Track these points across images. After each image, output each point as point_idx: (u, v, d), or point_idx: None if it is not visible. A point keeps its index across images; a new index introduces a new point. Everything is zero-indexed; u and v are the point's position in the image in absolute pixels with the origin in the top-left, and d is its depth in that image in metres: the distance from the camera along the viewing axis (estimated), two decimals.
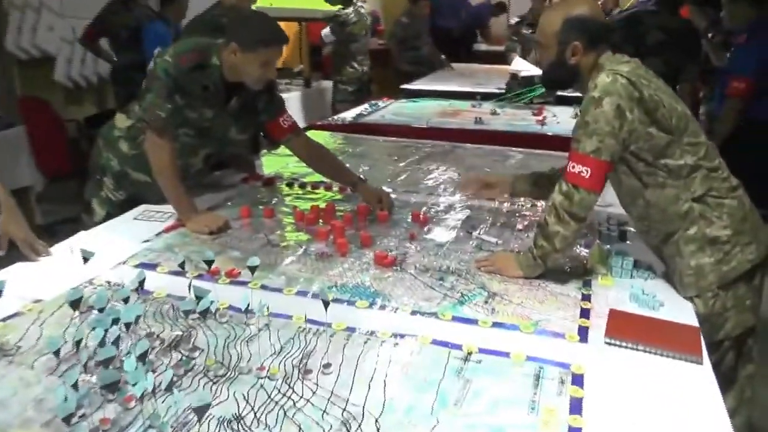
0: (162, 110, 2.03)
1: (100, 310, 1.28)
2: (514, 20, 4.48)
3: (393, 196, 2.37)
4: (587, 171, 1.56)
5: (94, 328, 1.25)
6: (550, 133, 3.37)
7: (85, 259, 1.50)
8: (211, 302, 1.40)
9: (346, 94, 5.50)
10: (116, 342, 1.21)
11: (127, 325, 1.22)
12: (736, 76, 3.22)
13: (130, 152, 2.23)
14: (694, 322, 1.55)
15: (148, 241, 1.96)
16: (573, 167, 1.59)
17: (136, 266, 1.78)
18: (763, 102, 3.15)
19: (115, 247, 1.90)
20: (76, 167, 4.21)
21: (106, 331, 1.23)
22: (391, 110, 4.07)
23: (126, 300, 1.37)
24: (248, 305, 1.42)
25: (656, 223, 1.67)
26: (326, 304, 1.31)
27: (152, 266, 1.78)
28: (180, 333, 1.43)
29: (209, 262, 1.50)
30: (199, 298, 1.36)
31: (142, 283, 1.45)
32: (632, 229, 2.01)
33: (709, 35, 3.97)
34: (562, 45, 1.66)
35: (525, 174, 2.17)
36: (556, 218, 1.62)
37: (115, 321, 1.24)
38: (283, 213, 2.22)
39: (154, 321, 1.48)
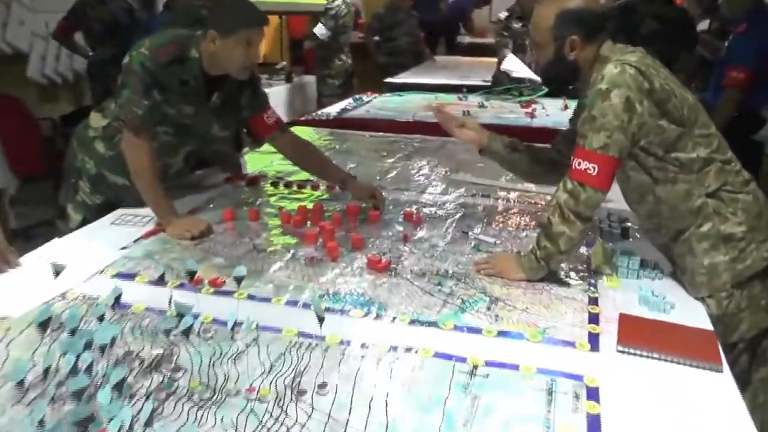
0: (139, 107, 1.90)
1: (72, 332, 1.15)
2: (503, 14, 4.35)
3: (383, 194, 2.25)
4: (594, 168, 1.46)
5: (65, 353, 1.12)
6: (540, 126, 3.27)
7: (57, 273, 1.37)
8: (194, 319, 1.28)
9: (334, 88, 5.37)
10: (90, 368, 1.09)
11: (102, 348, 1.10)
12: (734, 66, 3.14)
13: (107, 153, 2.09)
14: (708, 324, 1.46)
15: (126, 248, 1.82)
16: (579, 164, 1.48)
17: (114, 276, 1.65)
18: (760, 92, 3.08)
19: (91, 256, 1.76)
20: (51, 168, 4.03)
21: (78, 356, 1.10)
22: (375, 104, 3.95)
23: (101, 318, 1.23)
24: (235, 322, 1.29)
25: (666, 220, 1.57)
26: (321, 319, 1.19)
27: (130, 276, 1.65)
28: (161, 351, 1.30)
29: (191, 273, 1.38)
30: (180, 315, 1.23)
31: (118, 298, 1.31)
32: (634, 226, 1.92)
33: (706, 24, 3.90)
34: (558, 41, 1.56)
35: (503, 136, 1.98)
36: (561, 218, 1.52)
37: (89, 344, 1.11)
38: (268, 215, 2.09)
39: (133, 338, 1.35)
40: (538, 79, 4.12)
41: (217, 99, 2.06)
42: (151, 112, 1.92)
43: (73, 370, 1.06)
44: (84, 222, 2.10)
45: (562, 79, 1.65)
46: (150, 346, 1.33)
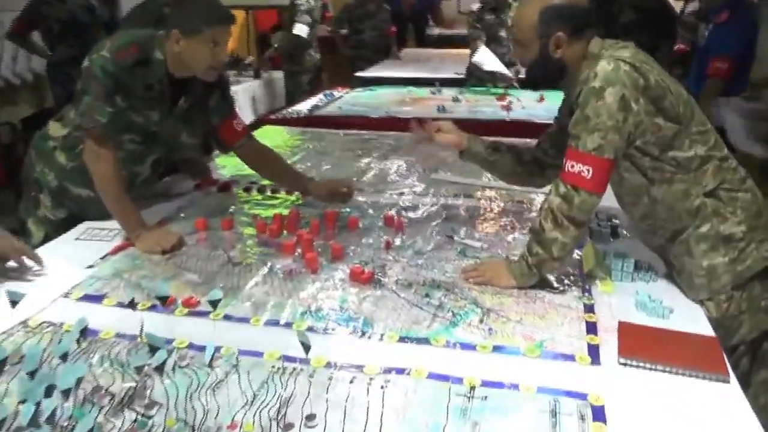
0: (102, 115, 1.77)
1: (32, 374, 1.03)
2: (475, 6, 4.24)
3: (361, 198, 2.16)
4: (588, 170, 1.38)
5: (23, 401, 1.00)
6: (516, 119, 3.20)
7: (14, 303, 1.24)
8: (168, 353, 1.16)
9: (304, 85, 5.22)
10: (52, 417, 0.97)
11: (66, 393, 0.98)
12: (718, 56, 3.09)
13: (69, 164, 1.95)
14: (708, 329, 1.39)
15: (92, 266, 1.70)
16: (572, 166, 1.40)
17: (80, 300, 1.53)
18: (737, 81, 3.04)
19: (54, 276, 1.64)
20: (11, 176, 3.84)
21: (38, 404, 0.98)
22: (347, 100, 3.83)
23: (64, 357, 1.12)
24: (213, 354, 1.19)
25: (662, 221, 1.50)
26: (307, 348, 1.09)
27: (98, 298, 1.53)
28: (133, 384, 1.19)
29: (163, 298, 1.27)
30: (153, 349, 1.12)
31: (84, 331, 1.19)
32: (623, 224, 1.85)
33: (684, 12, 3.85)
34: (543, 39, 1.47)
35: (482, 137, 1.89)
36: (554, 223, 1.44)
37: (50, 389, 0.99)
38: (242, 223, 1.97)
39: (102, 370, 1.24)
40: (509, 72, 4.06)
41: (184, 103, 1.93)
42: (115, 120, 1.79)
43: (33, 421, 0.94)
44: (47, 238, 1.96)
45: (548, 78, 1.56)
46: (121, 378, 1.22)
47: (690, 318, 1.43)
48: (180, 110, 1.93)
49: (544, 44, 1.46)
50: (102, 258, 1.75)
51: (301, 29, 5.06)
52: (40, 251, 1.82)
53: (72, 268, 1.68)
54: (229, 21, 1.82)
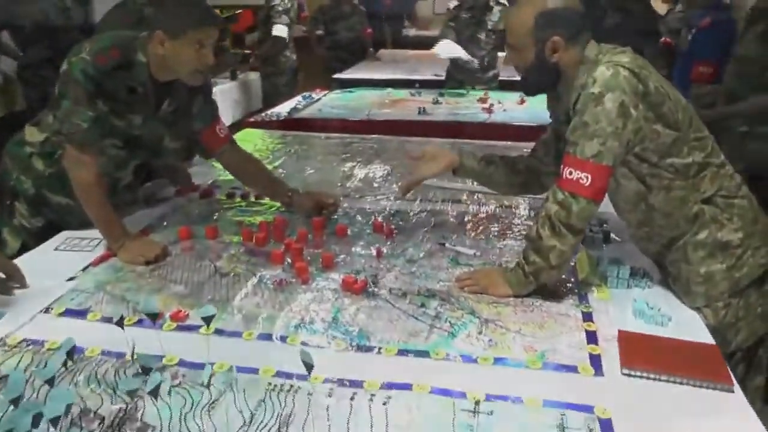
0: (83, 119, 1.69)
1: (15, 402, 0.96)
2: (452, 3, 4.20)
3: (346, 205, 2.11)
4: (587, 178, 1.35)
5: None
6: (497, 122, 3.17)
7: None
8: (160, 371, 1.10)
9: (281, 87, 5.13)
10: None
11: (55, 421, 0.91)
12: (702, 61, 3.10)
13: (47, 171, 1.87)
14: (708, 337, 1.38)
15: (73, 278, 1.62)
16: (570, 173, 1.37)
17: (61, 315, 1.45)
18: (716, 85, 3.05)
19: (33, 290, 1.56)
20: None
21: None
22: (326, 102, 3.77)
23: (50, 381, 1.05)
24: (210, 379, 1.13)
25: (659, 228, 1.48)
26: (309, 367, 1.04)
27: (81, 313, 1.46)
28: (123, 406, 1.13)
29: (153, 315, 1.20)
30: (145, 370, 1.06)
31: (70, 353, 1.12)
32: (613, 229, 1.84)
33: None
34: (539, 43, 1.44)
35: (473, 152, 1.85)
36: (551, 231, 1.41)
37: (37, 417, 0.92)
38: (227, 231, 1.91)
39: (89, 391, 1.18)
40: (475, 61, 4.02)
41: (168, 107, 1.86)
42: (96, 125, 1.71)
43: None
44: (23, 248, 1.87)
45: (543, 84, 1.53)
46: (111, 399, 1.16)
47: (689, 326, 1.41)
48: (163, 114, 1.86)
49: (539, 49, 1.43)
50: (83, 270, 1.68)
51: (280, 30, 4.98)
52: (18, 262, 1.73)
53: (52, 282, 1.60)
54: (216, 21, 1.75)
